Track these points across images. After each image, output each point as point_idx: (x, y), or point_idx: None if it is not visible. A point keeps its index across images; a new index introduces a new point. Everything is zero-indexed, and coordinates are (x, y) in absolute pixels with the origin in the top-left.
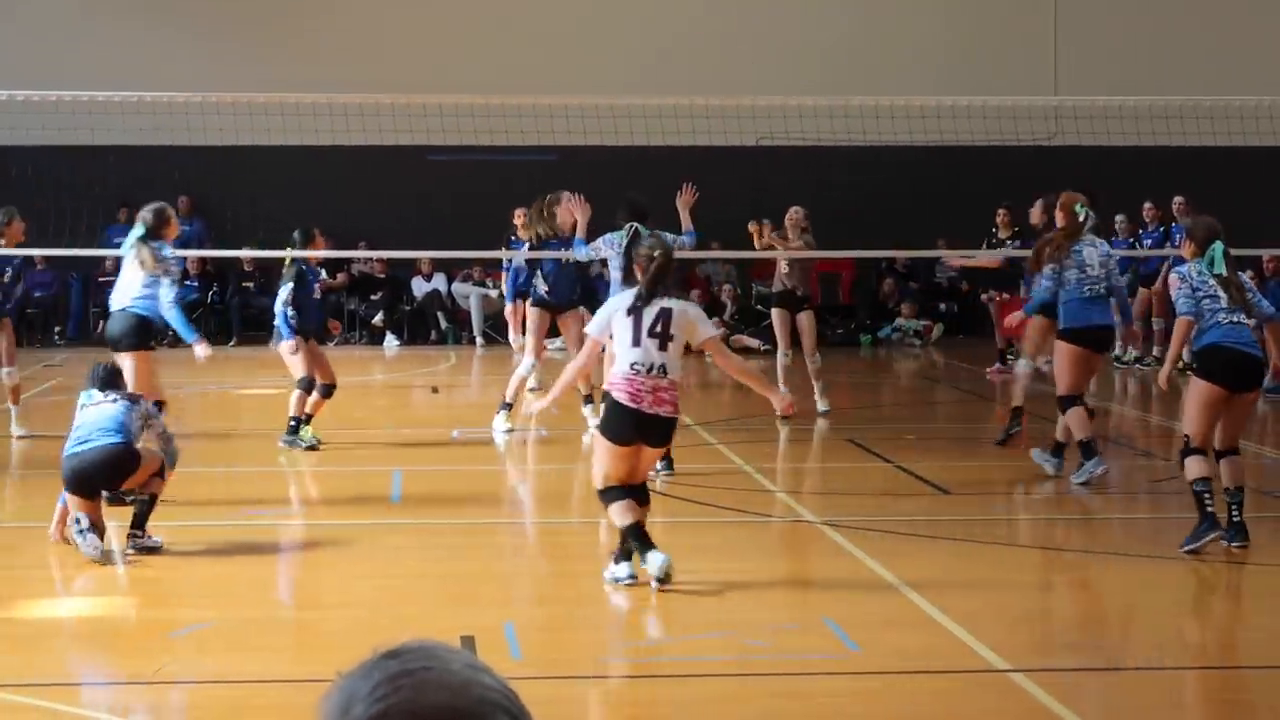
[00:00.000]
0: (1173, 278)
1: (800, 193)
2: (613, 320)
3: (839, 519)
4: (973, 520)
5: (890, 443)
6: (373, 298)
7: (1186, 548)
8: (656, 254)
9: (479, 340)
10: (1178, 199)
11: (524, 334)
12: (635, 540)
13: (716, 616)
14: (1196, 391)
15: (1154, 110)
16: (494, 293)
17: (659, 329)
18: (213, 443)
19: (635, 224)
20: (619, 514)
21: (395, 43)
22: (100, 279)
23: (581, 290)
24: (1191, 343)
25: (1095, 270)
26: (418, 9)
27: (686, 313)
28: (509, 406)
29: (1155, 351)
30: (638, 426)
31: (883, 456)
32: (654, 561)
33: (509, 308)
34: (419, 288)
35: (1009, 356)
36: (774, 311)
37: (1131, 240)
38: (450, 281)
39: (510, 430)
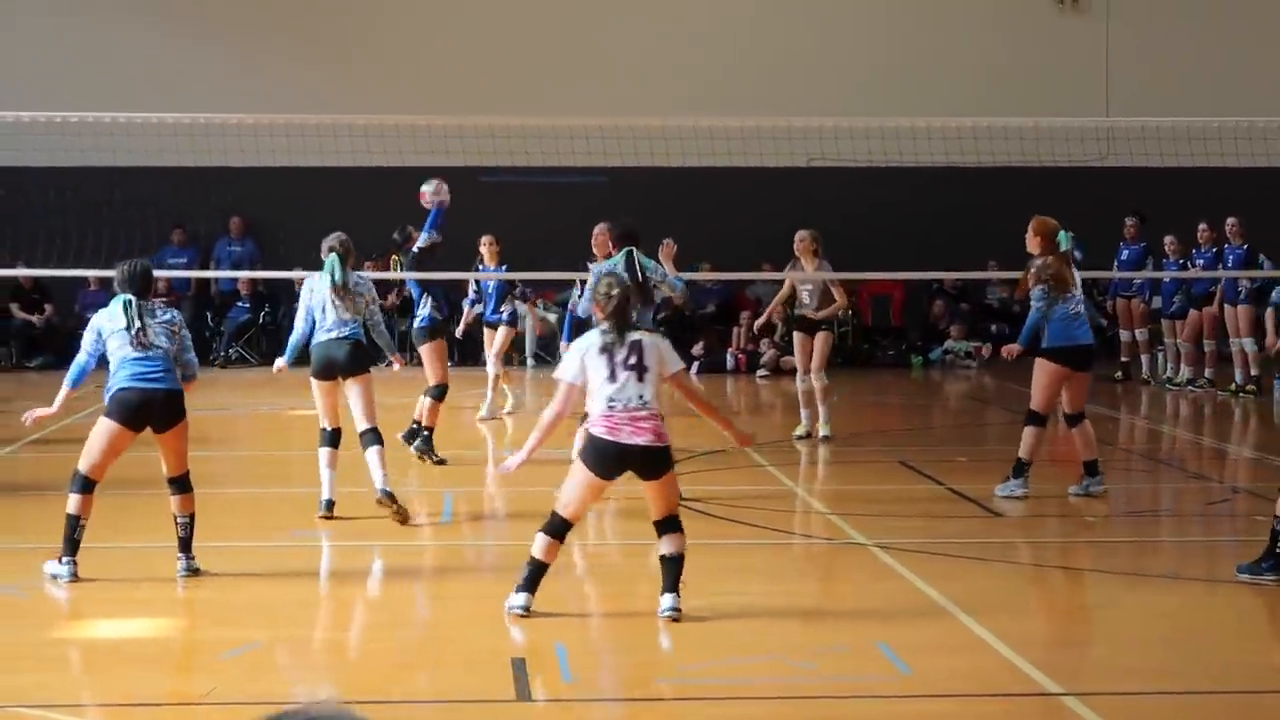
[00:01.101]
0: (1269, 310)
1: (850, 214)
2: (585, 361)
3: (890, 541)
4: (1025, 543)
5: (941, 465)
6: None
7: (1241, 577)
8: (615, 291)
9: (530, 361)
10: (1231, 220)
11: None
12: (528, 576)
13: (767, 639)
14: None
15: (1207, 131)
16: (552, 315)
17: (633, 361)
18: (264, 463)
19: (630, 248)
20: (541, 547)
21: (447, 64)
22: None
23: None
24: None
25: (1078, 290)
26: (469, 31)
27: (658, 345)
28: None
29: (1208, 373)
30: (620, 459)
31: (934, 478)
32: (513, 600)
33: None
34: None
35: None
36: (795, 336)
37: (1182, 261)
38: None
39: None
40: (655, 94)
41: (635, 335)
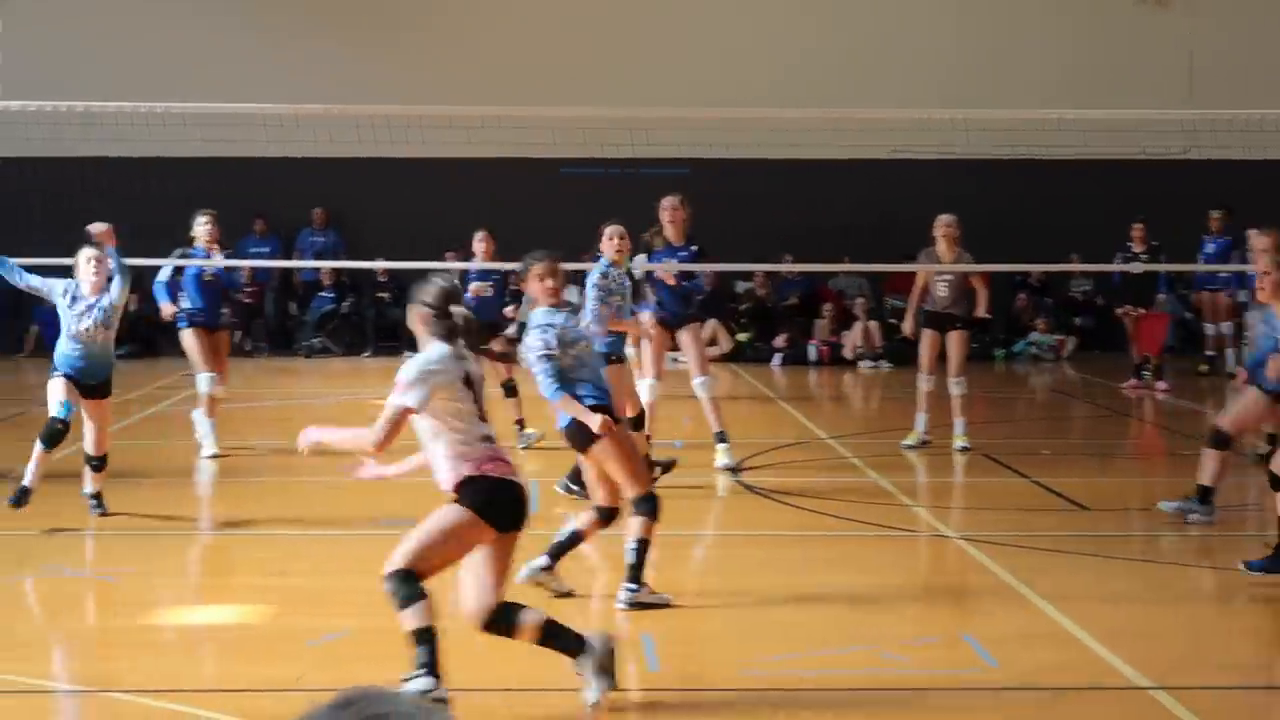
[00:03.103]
0: None
1: (932, 206)
2: (436, 389)
3: (976, 534)
4: (1111, 536)
5: (1026, 458)
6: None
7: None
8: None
9: None
10: None
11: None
12: (424, 651)
13: (854, 630)
14: None
15: None
16: None
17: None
18: (349, 452)
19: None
20: (416, 615)
21: (528, 55)
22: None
23: (701, 303)
24: None
25: None
26: (551, 23)
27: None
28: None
29: None
30: (522, 504)
31: (1019, 472)
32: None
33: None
34: None
35: (1144, 372)
36: (924, 332)
37: None
38: None
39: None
40: (737, 85)
41: (476, 366)
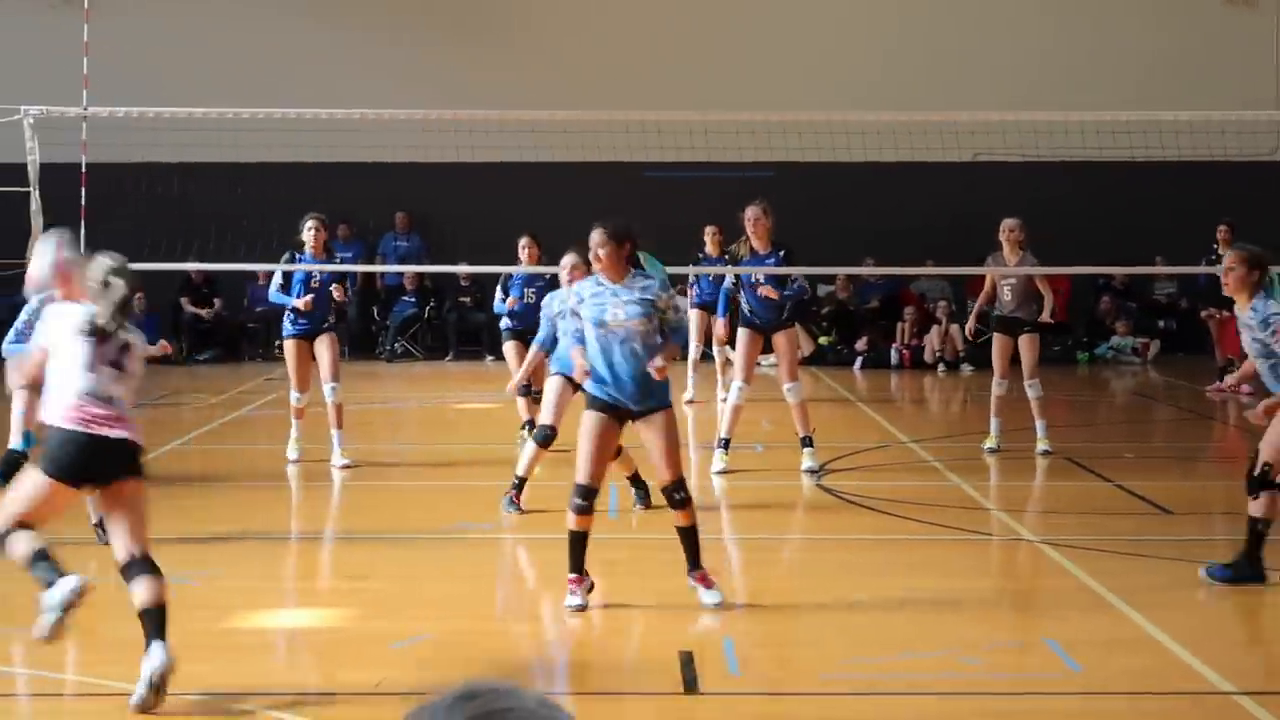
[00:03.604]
0: None
1: (1015, 209)
2: (55, 334)
3: (1058, 537)
4: (1194, 540)
5: (1109, 461)
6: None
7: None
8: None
9: (693, 355)
10: None
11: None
12: (43, 568)
13: (936, 635)
14: None
15: None
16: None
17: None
18: (430, 455)
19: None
20: (21, 545)
21: (612, 60)
22: None
23: (792, 307)
24: None
25: None
26: (634, 26)
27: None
28: (727, 443)
29: None
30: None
31: (1101, 475)
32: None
33: (720, 321)
34: None
35: (1229, 374)
36: (994, 337)
37: None
38: None
39: (726, 470)
40: (820, 88)
41: (132, 334)
